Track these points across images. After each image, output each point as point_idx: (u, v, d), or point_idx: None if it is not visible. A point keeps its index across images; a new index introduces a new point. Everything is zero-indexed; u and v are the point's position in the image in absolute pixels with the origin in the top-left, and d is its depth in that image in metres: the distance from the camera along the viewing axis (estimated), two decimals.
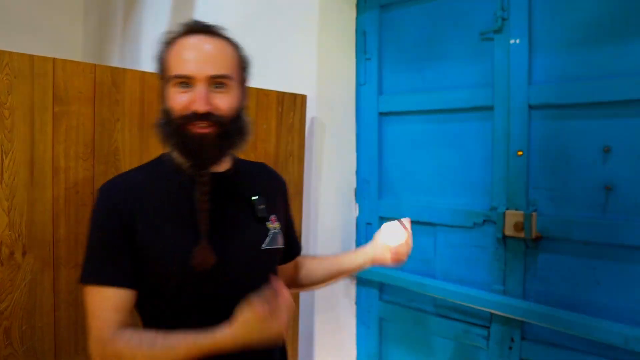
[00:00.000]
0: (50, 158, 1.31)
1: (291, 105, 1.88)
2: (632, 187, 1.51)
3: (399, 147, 2.05)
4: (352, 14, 2.12)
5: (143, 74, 1.48)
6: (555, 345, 1.65)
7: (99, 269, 1.01)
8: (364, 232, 2.15)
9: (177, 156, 1.07)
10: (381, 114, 2.07)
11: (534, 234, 1.66)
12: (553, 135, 1.66)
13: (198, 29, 1.05)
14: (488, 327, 1.79)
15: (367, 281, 2.14)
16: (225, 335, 0.94)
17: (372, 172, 2.11)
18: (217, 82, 1.02)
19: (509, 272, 1.73)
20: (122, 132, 1.44)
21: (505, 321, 1.74)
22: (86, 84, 1.36)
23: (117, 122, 1.43)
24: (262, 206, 1.15)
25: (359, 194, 2.17)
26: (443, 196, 1.92)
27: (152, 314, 1.07)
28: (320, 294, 2.03)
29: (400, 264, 1.40)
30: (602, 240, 1.55)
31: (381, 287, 2.12)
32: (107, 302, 0.99)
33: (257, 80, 2.02)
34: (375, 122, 2.08)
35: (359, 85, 2.13)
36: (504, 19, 1.71)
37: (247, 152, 1.73)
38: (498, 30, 1.73)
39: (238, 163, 1.18)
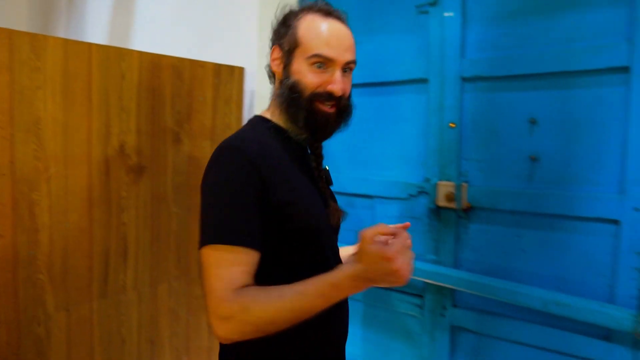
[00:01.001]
0: None
1: (228, 78, 1.86)
2: (555, 157, 1.56)
3: None
4: None
5: (66, 41, 1.43)
6: (484, 311, 1.71)
7: (231, 228, 0.95)
8: None
9: (289, 126, 1.11)
10: None
11: (464, 205, 1.70)
12: (484, 107, 1.69)
13: (334, 14, 1.10)
14: (422, 296, 1.84)
15: None
16: (353, 271, 0.92)
17: None
18: (348, 67, 1.10)
19: (442, 242, 1.77)
20: (44, 101, 1.40)
21: (438, 290, 1.78)
22: (1, 51, 1.31)
23: (38, 90, 1.39)
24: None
25: None
26: (380, 169, 1.94)
27: (270, 273, 1.02)
28: None
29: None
30: (527, 210, 1.60)
31: None
32: (235, 263, 0.94)
33: (197, 51, 2.00)
34: None
35: None
36: None
37: (182, 122, 1.72)
38: (433, 3, 1.75)
39: None
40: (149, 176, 1.65)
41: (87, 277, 1.51)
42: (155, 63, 1.63)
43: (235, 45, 2.00)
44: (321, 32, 1.07)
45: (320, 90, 1.06)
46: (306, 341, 1.07)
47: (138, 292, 1.65)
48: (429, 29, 1.76)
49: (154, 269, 1.69)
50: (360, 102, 1.97)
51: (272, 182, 1.00)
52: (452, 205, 1.72)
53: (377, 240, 0.92)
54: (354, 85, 1.96)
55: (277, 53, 1.12)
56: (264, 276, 1.00)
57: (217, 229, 0.95)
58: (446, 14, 1.72)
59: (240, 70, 1.90)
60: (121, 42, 2.44)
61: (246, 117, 1.95)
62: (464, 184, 1.70)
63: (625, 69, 1.42)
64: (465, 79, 1.71)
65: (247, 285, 0.94)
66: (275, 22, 1.15)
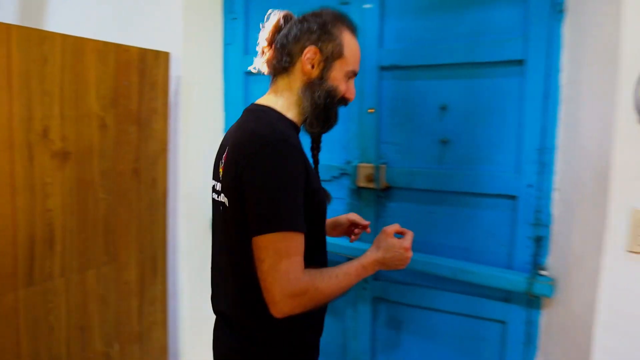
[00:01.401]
0: None
1: (154, 63, 1.86)
2: (463, 141, 1.73)
3: None
4: None
5: (9, 26, 1.38)
6: (402, 282, 1.87)
7: (295, 217, 1.06)
8: None
9: (301, 120, 1.24)
10: (247, 73, 2.12)
11: (382, 185, 1.84)
12: (400, 94, 1.83)
13: (357, 32, 1.28)
14: None
15: None
16: (375, 256, 1.23)
17: None
18: None
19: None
20: None
21: None
22: None
23: None
24: None
25: None
26: (306, 152, 2.03)
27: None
28: (189, 252, 2.08)
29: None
30: (438, 188, 1.77)
31: None
32: (300, 248, 1.06)
33: (122, 36, 1.97)
34: (241, 80, 2.13)
35: (225, 44, 2.15)
36: None
37: (107, 107, 1.71)
38: None
39: None
40: (74, 162, 1.62)
41: (11, 265, 1.48)
42: (78, 47, 1.60)
43: (160, 30, 1.99)
44: (356, 52, 1.25)
45: (346, 95, 1.25)
46: (316, 326, 1.30)
47: (66, 279, 1.63)
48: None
49: (81, 255, 1.67)
50: None
51: (309, 173, 1.12)
52: (372, 185, 1.86)
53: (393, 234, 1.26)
54: None
55: (315, 54, 1.19)
56: None
57: (285, 218, 1.04)
58: (365, 6, 1.83)
59: (166, 55, 1.91)
60: (36, 23, 2.33)
61: (172, 102, 1.96)
62: (383, 166, 1.84)
63: (520, 62, 1.61)
64: (383, 68, 1.83)
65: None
66: (313, 23, 1.21)
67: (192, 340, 2.15)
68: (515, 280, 1.60)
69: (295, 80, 1.21)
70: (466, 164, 1.74)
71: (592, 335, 1.40)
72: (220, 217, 1.20)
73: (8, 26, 1.42)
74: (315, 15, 1.23)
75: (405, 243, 1.26)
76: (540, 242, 1.63)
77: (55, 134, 1.56)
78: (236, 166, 1.08)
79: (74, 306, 1.67)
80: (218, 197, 1.21)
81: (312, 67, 1.19)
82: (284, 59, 1.21)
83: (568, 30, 1.53)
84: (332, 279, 1.11)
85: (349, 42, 1.22)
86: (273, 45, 1.24)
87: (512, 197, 1.66)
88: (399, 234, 1.33)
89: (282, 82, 1.23)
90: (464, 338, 1.80)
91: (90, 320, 1.73)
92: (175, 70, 1.96)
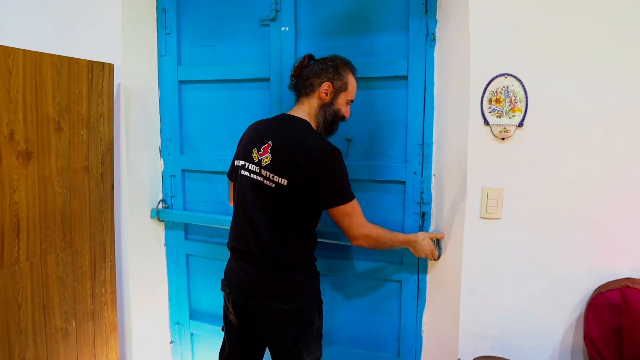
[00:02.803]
0: None
1: (100, 73, 2.12)
2: (364, 139, 2.18)
3: (197, 110, 2.45)
4: None
5: None
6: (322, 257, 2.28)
7: (351, 191, 1.77)
8: (169, 183, 2.52)
9: (316, 129, 1.87)
10: (181, 81, 2.43)
11: None
12: None
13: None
14: None
15: (174, 224, 2.53)
16: (415, 239, 1.96)
17: (175, 131, 2.47)
18: None
19: None
20: None
21: None
22: None
23: None
24: None
25: (163, 151, 2.51)
26: (234, 150, 2.37)
27: (314, 220, 1.83)
28: (133, 239, 2.35)
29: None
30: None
31: (186, 228, 2.53)
32: (359, 208, 1.79)
33: (69, 48, 2.20)
34: (175, 88, 2.43)
35: (160, 56, 2.44)
36: (277, 11, 2.21)
37: (62, 113, 1.95)
38: (273, 19, 2.23)
39: None
40: (35, 160, 1.86)
41: None
42: (37, 60, 1.84)
43: (102, 43, 2.24)
44: (355, 87, 1.93)
45: (345, 115, 1.92)
46: (314, 264, 1.90)
47: (30, 262, 1.87)
48: (270, 38, 2.25)
49: (43, 242, 1.91)
50: (215, 95, 2.40)
51: None
52: None
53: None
54: (211, 81, 2.39)
55: (329, 87, 1.84)
56: (312, 222, 1.83)
57: (350, 192, 1.77)
58: (283, 28, 2.22)
59: (110, 66, 2.17)
60: None
61: (115, 107, 2.22)
62: None
63: (405, 77, 2.07)
64: None
65: None
66: (329, 65, 1.86)
67: (138, 319, 2.43)
68: (406, 249, 2.07)
69: (314, 102, 1.86)
70: (366, 157, 2.19)
71: (460, 282, 1.90)
72: (261, 190, 1.77)
73: None
74: (331, 59, 1.89)
75: (431, 248, 1.99)
76: (424, 217, 2.12)
77: (19, 136, 1.79)
78: (307, 162, 1.68)
79: (37, 287, 1.90)
80: (255, 176, 1.78)
81: (326, 95, 1.84)
82: (308, 87, 1.85)
83: (438, 54, 2.02)
84: (387, 234, 1.87)
85: (351, 81, 1.89)
86: (299, 76, 1.89)
87: (402, 182, 2.13)
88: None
89: (305, 101, 1.87)
90: (372, 296, 2.26)
91: (52, 299, 1.97)
92: (117, 79, 2.23)
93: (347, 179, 1.78)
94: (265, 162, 1.76)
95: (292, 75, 1.93)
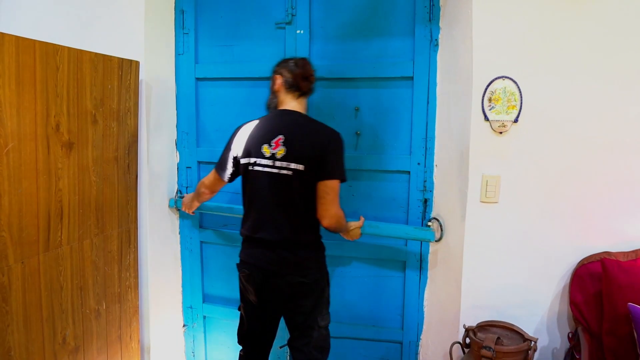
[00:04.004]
0: None
1: (128, 69, 2.25)
2: (372, 133, 2.40)
3: (213, 106, 2.61)
4: None
5: (17, 38, 1.70)
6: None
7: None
8: (185, 175, 2.67)
9: None
10: (198, 79, 2.58)
11: None
12: (325, 98, 2.44)
13: None
14: None
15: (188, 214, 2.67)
16: (349, 227, 2.19)
17: (191, 125, 2.62)
18: None
19: None
20: (3, 87, 1.66)
21: None
22: None
23: None
24: None
25: (179, 144, 2.66)
26: None
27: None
28: (152, 227, 2.49)
29: None
30: (355, 167, 2.41)
31: (201, 216, 2.68)
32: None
33: (96, 45, 2.32)
34: (192, 85, 2.58)
35: (177, 54, 2.59)
36: (293, 15, 2.41)
37: (97, 106, 2.09)
38: (289, 22, 2.42)
39: None
40: (76, 150, 1.99)
41: (35, 234, 1.82)
42: (78, 57, 1.96)
43: (126, 42, 2.37)
44: None
45: None
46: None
47: (70, 246, 1.99)
48: (286, 40, 2.44)
49: (80, 227, 2.04)
50: (231, 92, 2.57)
51: None
52: None
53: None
54: (227, 79, 2.56)
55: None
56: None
57: (345, 173, 2.00)
58: (298, 31, 2.41)
59: (136, 63, 2.31)
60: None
61: (139, 102, 2.36)
62: None
63: (410, 78, 2.31)
64: None
65: None
66: (300, 73, 2.06)
67: (156, 302, 2.56)
68: (410, 231, 2.31)
69: (305, 101, 2.10)
70: (374, 150, 2.41)
71: (462, 260, 2.16)
72: (276, 181, 1.94)
73: (33, 41, 1.77)
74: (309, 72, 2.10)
75: (357, 234, 2.27)
76: (426, 203, 2.36)
77: (64, 128, 1.92)
78: (320, 145, 1.93)
79: (76, 270, 2.03)
80: (270, 169, 1.95)
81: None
82: (311, 90, 2.11)
83: (440, 58, 2.27)
84: (345, 220, 2.09)
85: None
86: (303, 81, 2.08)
87: (407, 172, 2.37)
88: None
89: (303, 100, 2.10)
90: (377, 275, 2.49)
91: (87, 282, 2.10)
92: (139, 75, 2.36)
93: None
94: (280, 153, 1.94)
95: (311, 81, 2.10)
